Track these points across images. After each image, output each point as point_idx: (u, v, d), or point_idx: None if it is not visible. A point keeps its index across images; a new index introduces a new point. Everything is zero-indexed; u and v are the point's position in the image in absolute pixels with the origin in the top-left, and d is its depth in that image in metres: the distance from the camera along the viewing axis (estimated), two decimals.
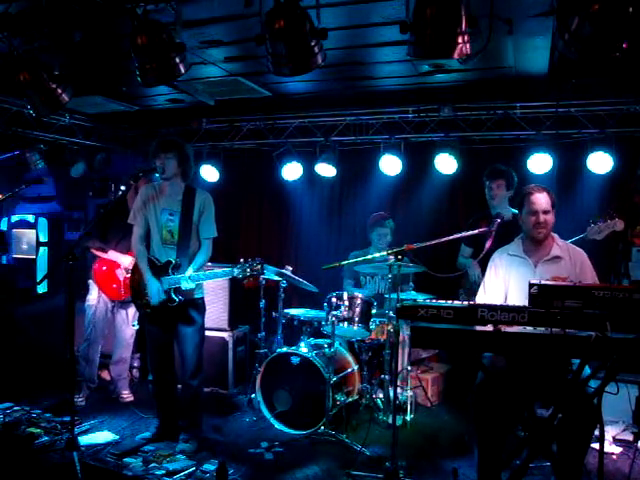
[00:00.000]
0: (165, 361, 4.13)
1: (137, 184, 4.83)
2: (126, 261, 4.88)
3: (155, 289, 3.84)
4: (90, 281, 4.99)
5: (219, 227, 4.13)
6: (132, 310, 5.06)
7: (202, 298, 4.13)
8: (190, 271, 3.87)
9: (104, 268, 4.92)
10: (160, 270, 3.90)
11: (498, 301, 3.32)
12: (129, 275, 4.77)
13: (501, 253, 3.48)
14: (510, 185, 4.64)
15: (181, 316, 3.98)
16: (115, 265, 4.91)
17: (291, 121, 5.88)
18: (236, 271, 3.81)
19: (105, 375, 5.42)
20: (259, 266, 3.78)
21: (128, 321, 5.09)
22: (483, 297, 3.41)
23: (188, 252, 3.93)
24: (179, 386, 4.18)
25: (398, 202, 6.08)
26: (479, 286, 3.54)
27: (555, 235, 3.41)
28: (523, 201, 3.35)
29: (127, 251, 4.89)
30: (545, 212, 3.28)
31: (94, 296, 4.93)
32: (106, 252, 4.90)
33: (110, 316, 5.04)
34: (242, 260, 3.84)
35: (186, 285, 3.83)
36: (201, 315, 4.08)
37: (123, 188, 5.48)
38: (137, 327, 5.12)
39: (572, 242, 3.70)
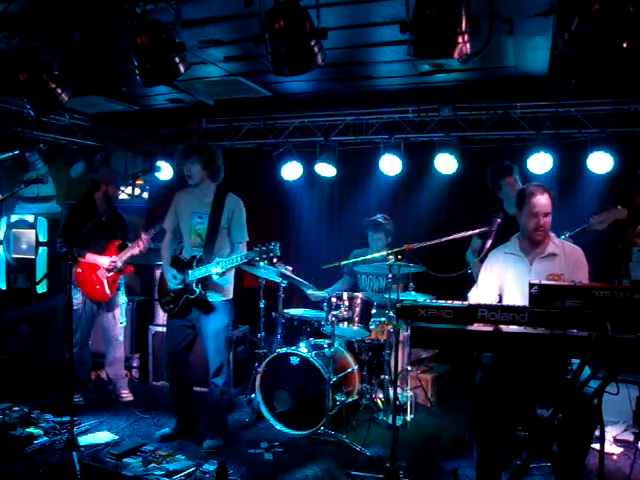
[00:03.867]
0: (179, 359, 4.20)
1: (104, 184, 4.94)
2: (105, 262, 4.90)
3: (170, 275, 4.08)
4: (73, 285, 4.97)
5: None
6: (118, 310, 5.10)
7: (231, 300, 4.18)
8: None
9: (85, 271, 4.91)
10: (186, 265, 4.06)
11: (490, 296, 3.36)
12: (111, 275, 4.91)
13: (497, 251, 3.49)
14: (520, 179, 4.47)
15: (204, 314, 4.06)
16: (95, 267, 4.90)
17: (291, 121, 5.87)
18: (252, 255, 3.89)
19: (104, 375, 5.41)
20: (274, 247, 3.90)
21: (115, 321, 5.10)
22: (474, 292, 3.45)
23: (213, 253, 4.01)
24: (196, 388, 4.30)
25: (398, 202, 6.06)
26: None
27: (551, 233, 3.39)
28: (524, 201, 3.30)
29: (103, 251, 4.95)
30: (546, 215, 3.26)
31: (78, 300, 4.91)
32: (84, 257, 4.88)
33: (97, 317, 5.05)
34: (259, 245, 3.90)
35: (215, 270, 3.87)
36: (227, 316, 4.12)
37: (123, 188, 5.47)
38: (125, 324, 5.18)
39: (574, 233, 3.68)
